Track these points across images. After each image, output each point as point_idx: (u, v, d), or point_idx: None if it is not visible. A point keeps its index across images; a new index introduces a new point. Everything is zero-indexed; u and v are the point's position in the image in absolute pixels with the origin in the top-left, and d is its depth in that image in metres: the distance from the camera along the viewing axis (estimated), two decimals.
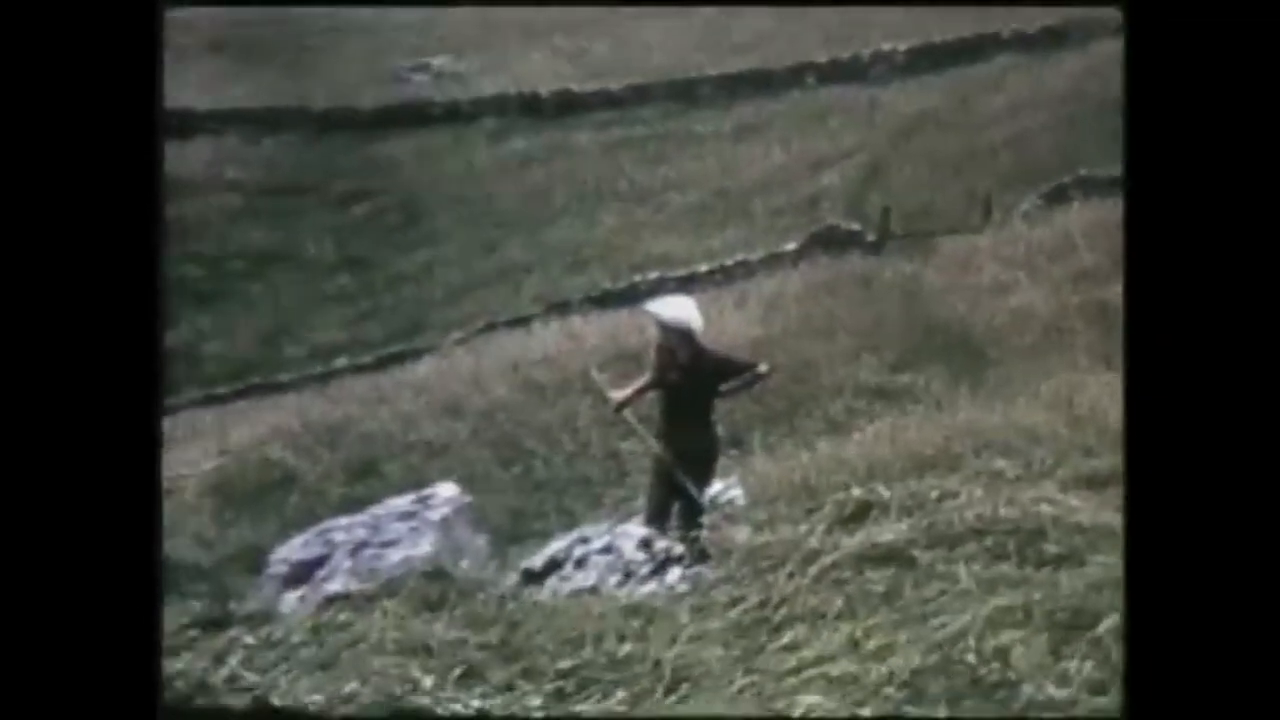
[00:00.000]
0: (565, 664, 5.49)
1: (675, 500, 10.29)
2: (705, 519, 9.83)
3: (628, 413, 11.14)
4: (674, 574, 7.51)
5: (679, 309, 10.86)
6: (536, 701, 5.10)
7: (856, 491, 7.50)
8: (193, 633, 6.30)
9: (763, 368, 11.08)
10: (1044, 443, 10.57)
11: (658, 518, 9.94)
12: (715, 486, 11.87)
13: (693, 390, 10.53)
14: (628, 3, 46.03)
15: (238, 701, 5.03)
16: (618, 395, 11.06)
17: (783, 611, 5.94)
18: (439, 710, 4.90)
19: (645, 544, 7.91)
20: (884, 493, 7.32)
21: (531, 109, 43.06)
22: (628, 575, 7.61)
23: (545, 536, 12.38)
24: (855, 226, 29.03)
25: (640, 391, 10.91)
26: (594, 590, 7.49)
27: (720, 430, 11.67)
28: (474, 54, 47.48)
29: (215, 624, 6.52)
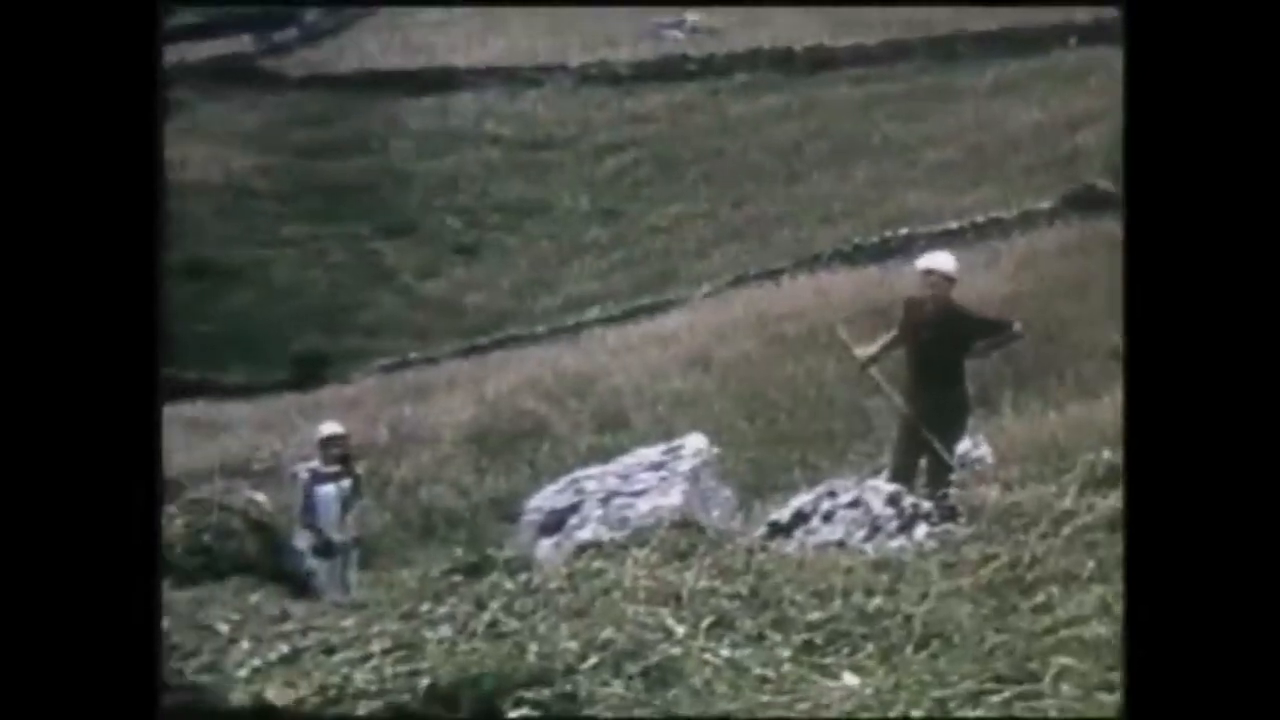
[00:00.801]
0: (815, 616, 5.53)
1: (922, 458, 10.22)
2: (953, 477, 9.80)
3: (874, 370, 11.06)
4: (921, 531, 7.50)
5: (938, 259, 10.80)
6: (786, 653, 5.13)
7: (1107, 454, 7.39)
8: (455, 578, 6.50)
9: (1017, 327, 10.90)
10: None
11: (903, 475, 9.85)
12: (963, 445, 11.77)
13: (942, 347, 10.39)
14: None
15: (494, 648, 5.15)
16: (864, 351, 10.99)
17: (1035, 572, 5.90)
18: (690, 660, 4.98)
19: (893, 500, 7.91)
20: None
21: (785, 64, 42.92)
22: (875, 530, 7.62)
23: (789, 490, 12.42)
24: (1111, 187, 28.41)
25: (887, 347, 10.82)
26: (841, 544, 7.50)
27: (970, 389, 11.56)
28: (728, 10, 47.45)
29: (475, 570, 6.71)
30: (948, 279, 10.51)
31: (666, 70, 44.09)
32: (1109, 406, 15.62)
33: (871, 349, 10.92)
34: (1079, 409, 16.86)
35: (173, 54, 46.03)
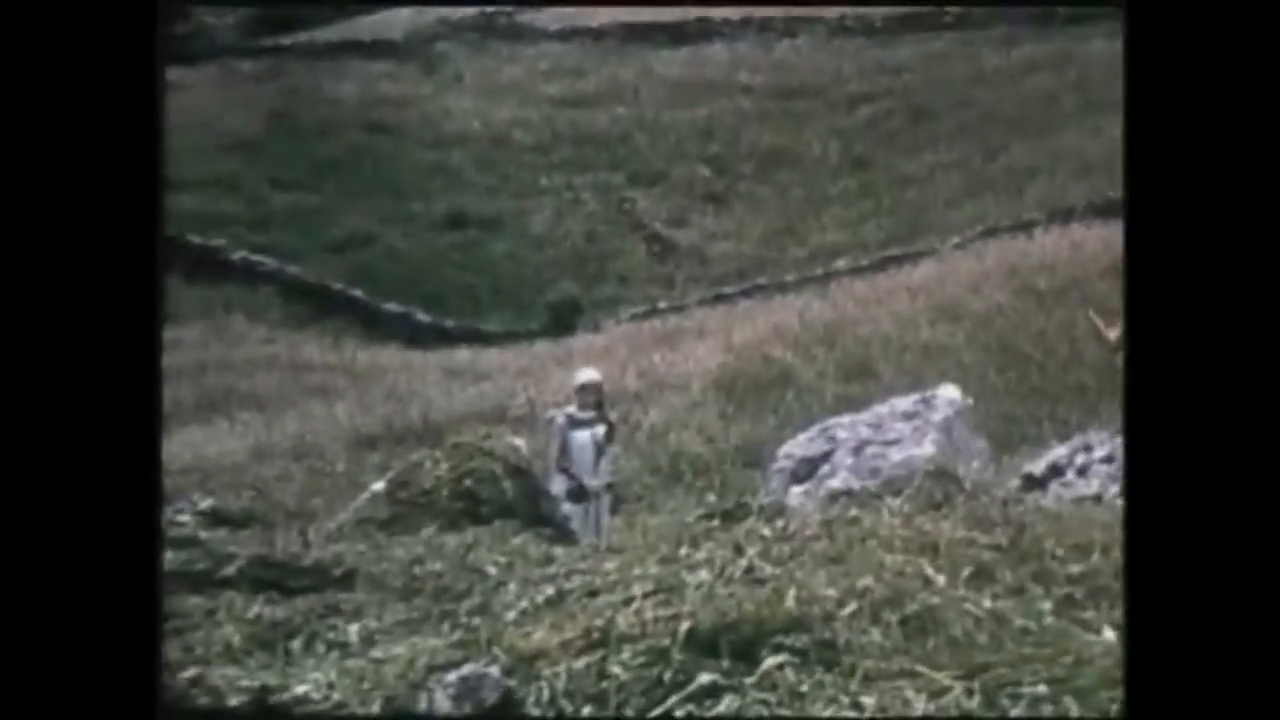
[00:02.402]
0: (1075, 570, 5.49)
1: None
2: None
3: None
4: None
5: None
6: (1047, 605, 5.12)
7: None
8: (711, 523, 6.58)
9: None
10: None
11: None
12: None
13: None
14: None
15: (751, 593, 5.19)
16: (1114, 334, 10.78)
17: None
18: (950, 610, 4.97)
19: None
20: None
21: (1042, 18, 42.10)
22: None
23: (1038, 444, 12.28)
24: None
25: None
26: (1098, 499, 7.42)
27: None
28: None
29: (730, 516, 6.78)
30: None
31: (922, 21, 43.56)
32: None
33: (1120, 329, 10.68)
34: None
35: (437, 12, 47.10)
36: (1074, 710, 4.16)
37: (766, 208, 37.13)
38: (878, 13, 44.38)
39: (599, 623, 5.01)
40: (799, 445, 10.59)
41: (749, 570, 5.55)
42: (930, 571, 5.30)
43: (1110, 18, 40.99)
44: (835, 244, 33.43)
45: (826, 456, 10.12)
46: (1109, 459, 7.85)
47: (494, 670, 4.83)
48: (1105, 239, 24.34)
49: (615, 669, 4.71)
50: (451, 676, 4.84)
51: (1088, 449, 8.09)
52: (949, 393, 10.59)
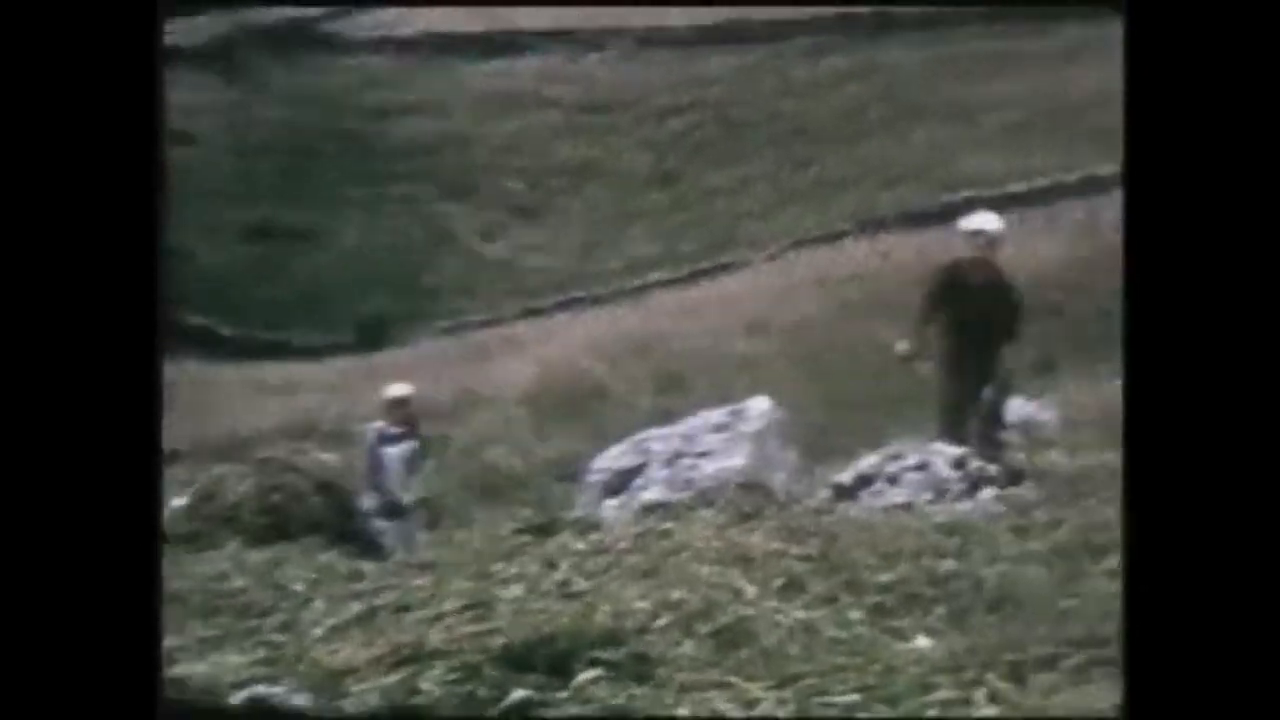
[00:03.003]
0: (886, 578, 5.54)
1: (970, 423, 10.16)
2: (1004, 440, 9.77)
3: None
4: (987, 494, 7.50)
5: (984, 219, 10.72)
6: (858, 615, 5.15)
7: None
8: (524, 538, 6.53)
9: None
10: None
11: (953, 440, 9.81)
12: (1027, 409, 11.69)
13: (985, 310, 10.30)
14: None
15: (565, 607, 5.16)
16: (904, 347, 10.87)
17: (1105, 536, 5.89)
18: (761, 621, 4.99)
19: (959, 463, 7.89)
20: None
21: (848, 27, 42.71)
22: (941, 493, 7.60)
23: (850, 453, 12.41)
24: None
25: (924, 327, 10.70)
26: (907, 507, 7.49)
27: (1028, 356, 11.39)
28: None
29: (544, 530, 6.73)
30: (995, 240, 10.44)
31: (729, 33, 43.87)
32: None
33: (909, 343, 10.76)
34: None
35: (240, 18, 46.36)
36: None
37: (577, 221, 37.17)
38: (685, 24, 44.58)
39: (409, 639, 4.93)
40: (612, 458, 10.55)
41: (562, 584, 5.52)
42: (742, 583, 5.30)
43: (916, 27, 41.83)
44: (647, 257, 33.55)
45: (640, 469, 10.10)
46: (920, 467, 7.93)
47: (282, 689, 4.73)
48: (913, 247, 24.76)
49: (426, 685, 4.63)
50: (240, 696, 4.73)
51: (897, 457, 8.16)
52: (760, 404, 10.63)
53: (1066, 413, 13.68)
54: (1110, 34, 34.25)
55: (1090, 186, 28.13)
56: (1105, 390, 16.38)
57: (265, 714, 4.70)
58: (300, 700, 4.68)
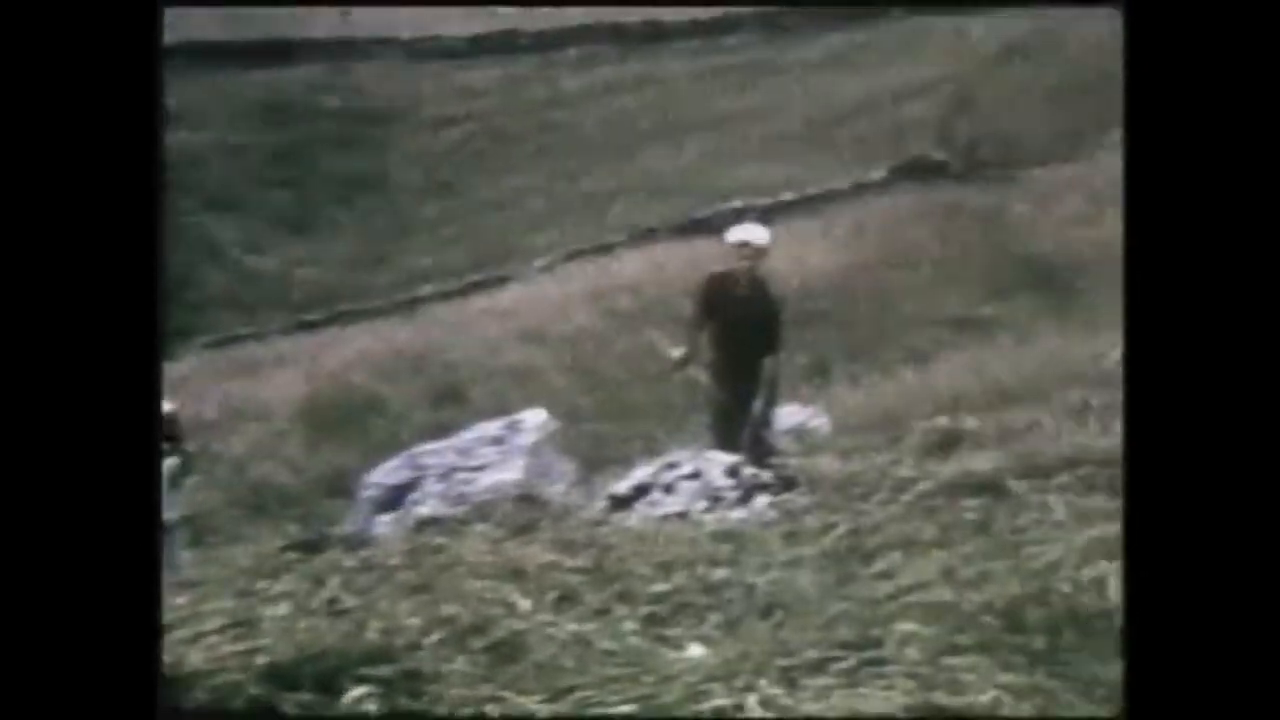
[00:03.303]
0: (659, 588, 5.51)
1: (740, 433, 10.27)
2: (776, 447, 9.88)
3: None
4: (762, 501, 7.51)
5: (751, 230, 10.87)
6: (631, 626, 5.11)
7: (943, 421, 7.48)
8: (291, 555, 6.38)
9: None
10: None
11: (726, 449, 9.89)
12: (800, 414, 11.84)
13: (752, 319, 10.45)
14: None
15: (333, 625, 5.07)
16: (677, 353, 11.01)
17: (876, 539, 5.94)
18: (535, 635, 4.93)
19: (733, 470, 7.91)
20: (972, 422, 7.30)
21: (618, 38, 42.91)
22: (715, 501, 7.61)
23: (629, 463, 12.44)
24: (942, 157, 28.82)
25: (695, 335, 10.82)
26: (682, 516, 7.48)
27: (801, 362, 11.54)
28: None
29: (312, 546, 6.60)
30: (761, 251, 10.61)
31: (499, 44, 43.78)
32: (943, 373, 15.86)
33: (682, 349, 10.90)
34: (913, 377, 17.09)
35: None
36: None
37: (349, 233, 36.75)
38: (456, 34, 44.40)
39: (168, 660, 4.76)
40: (385, 473, 10.42)
41: (331, 602, 5.38)
42: (516, 597, 5.23)
43: (685, 37, 42.19)
44: (420, 269, 33.27)
45: (414, 484, 10.00)
46: (694, 475, 7.93)
47: None
48: (686, 258, 24.92)
49: (186, 705, 4.48)
50: None
51: (672, 466, 8.16)
52: (536, 416, 10.59)
53: (838, 417, 13.86)
54: (874, 39, 35.10)
55: (860, 192, 28.60)
56: (876, 392, 16.67)
57: (265, 714, 4.60)
58: None
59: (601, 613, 5.26)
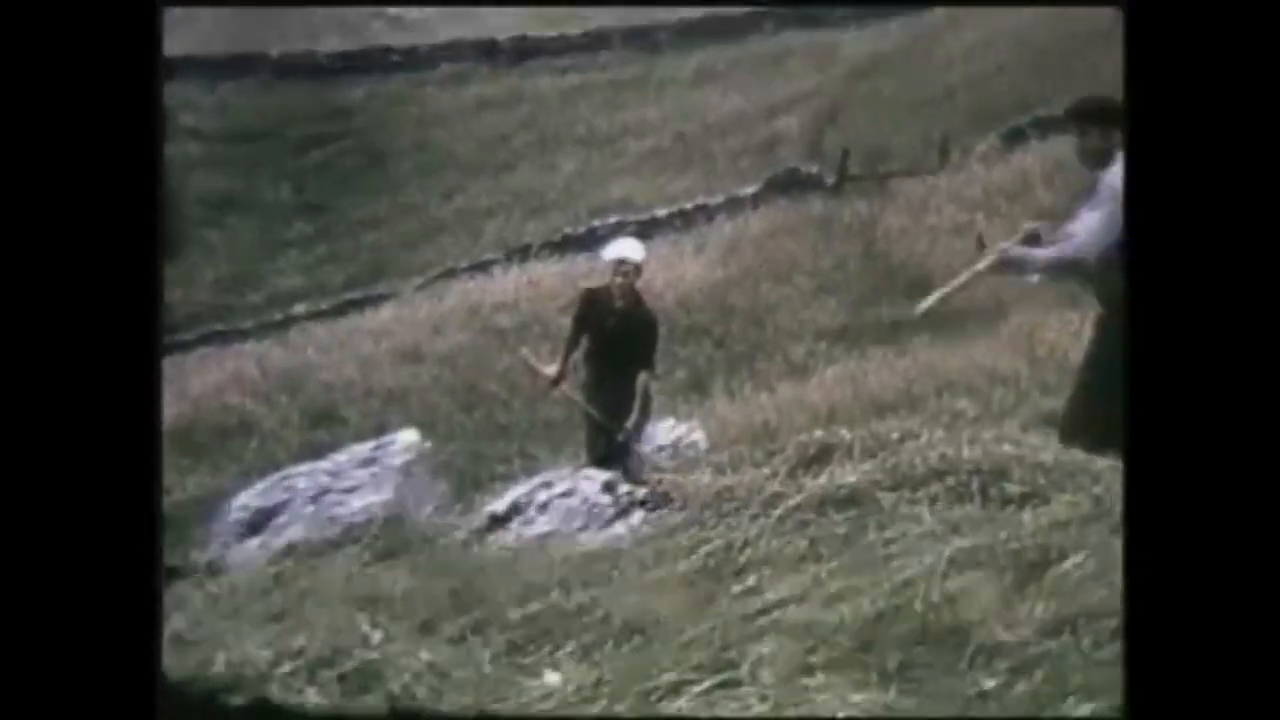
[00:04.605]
0: (520, 613, 5.41)
1: (613, 450, 10.26)
2: (656, 462, 9.86)
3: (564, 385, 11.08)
4: (637, 518, 7.44)
5: (628, 247, 10.89)
6: (490, 652, 5.02)
7: (818, 433, 7.45)
8: None
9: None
10: (1005, 382, 10.58)
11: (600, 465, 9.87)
12: (677, 430, 11.84)
13: (628, 336, 10.48)
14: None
15: (180, 659, 4.96)
16: (551, 370, 11.05)
17: (746, 555, 5.88)
18: (389, 664, 4.82)
19: (608, 487, 7.83)
20: (845, 434, 7.26)
21: (489, 55, 42.80)
22: (590, 520, 7.54)
23: (508, 481, 12.35)
24: (814, 169, 28.96)
25: (570, 352, 10.83)
26: (556, 535, 7.40)
27: (678, 377, 11.52)
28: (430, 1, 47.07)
29: (175, 572, 6.44)
30: (636, 267, 10.64)
31: (369, 62, 43.45)
32: (818, 386, 15.91)
33: (556, 366, 10.94)
34: (789, 390, 17.13)
35: None
36: None
37: (219, 253, 36.31)
38: (323, 52, 44.05)
39: None
40: (255, 495, 10.24)
41: (176, 634, 5.23)
42: (366, 628, 5.11)
43: (557, 54, 42.14)
44: (293, 289, 32.94)
45: (283, 506, 9.84)
46: (569, 493, 7.85)
47: None
48: (562, 274, 24.88)
49: None
50: None
51: (548, 485, 8.08)
52: (408, 436, 10.47)
53: (716, 431, 13.85)
54: (744, 55, 35.30)
55: (733, 207, 28.67)
56: (751, 406, 16.70)
57: (265, 714, 4.58)
58: None
59: (460, 639, 5.16)
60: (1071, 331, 12.32)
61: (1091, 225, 7.71)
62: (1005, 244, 8.14)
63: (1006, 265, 8.10)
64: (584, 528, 7.50)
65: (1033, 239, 8.12)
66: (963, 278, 8.25)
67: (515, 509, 8.01)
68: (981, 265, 8.26)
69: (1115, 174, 7.62)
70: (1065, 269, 8.03)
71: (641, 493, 7.88)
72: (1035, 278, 8.67)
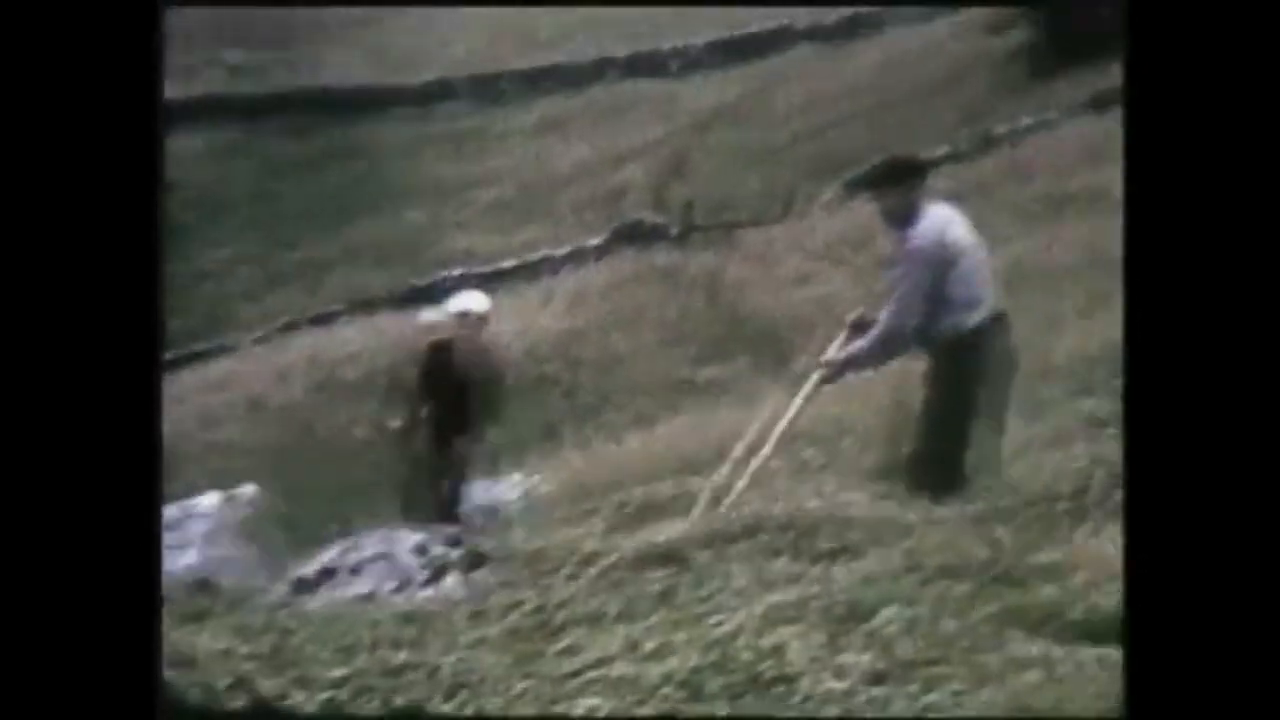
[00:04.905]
0: (338, 673, 5.35)
1: (435, 508, 10.21)
2: (478, 522, 9.82)
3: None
4: (451, 580, 7.35)
5: (472, 300, 10.86)
6: (307, 711, 4.96)
7: (638, 491, 7.47)
8: None
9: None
10: (852, 432, 10.63)
11: (429, 518, 9.81)
12: (497, 488, 11.80)
13: (472, 389, 10.44)
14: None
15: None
16: (397, 424, 11.01)
17: (562, 615, 5.86)
18: None
19: (421, 549, 7.72)
20: (666, 490, 7.28)
21: (328, 105, 42.49)
22: (404, 582, 7.42)
23: (326, 541, 12.23)
24: (659, 220, 29.04)
25: (417, 409, 10.75)
26: (369, 597, 7.29)
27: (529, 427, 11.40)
28: (268, 49, 46.64)
29: None
30: (482, 319, 10.61)
31: (207, 110, 42.88)
32: (663, 438, 15.89)
33: (402, 420, 10.88)
34: (636, 441, 17.11)
35: None
36: None
37: None
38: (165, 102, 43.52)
39: None
40: None
41: None
42: (183, 687, 5.01)
43: (398, 104, 41.92)
44: None
45: None
46: (381, 556, 7.73)
47: None
48: (407, 326, 24.72)
49: None
50: None
51: (359, 547, 7.95)
52: (211, 500, 10.33)
53: (565, 483, 13.78)
54: (588, 105, 35.32)
55: (579, 258, 28.68)
56: (599, 458, 16.65)
57: (265, 714, 4.73)
58: None
59: (278, 698, 5.08)
60: (914, 380, 12.44)
61: (898, 292, 7.86)
62: (827, 355, 8.29)
63: (836, 373, 8.24)
64: (399, 589, 7.39)
65: (860, 327, 8.24)
66: (795, 407, 8.39)
67: (326, 572, 7.88)
68: (809, 388, 8.41)
69: (914, 234, 7.74)
70: (890, 349, 8.15)
71: (456, 554, 7.79)
72: (869, 371, 8.84)
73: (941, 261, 7.66)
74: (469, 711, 4.94)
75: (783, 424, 8.26)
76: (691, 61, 40.41)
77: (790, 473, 8.12)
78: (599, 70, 41.17)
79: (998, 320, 7.94)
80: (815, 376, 8.29)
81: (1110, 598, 5.28)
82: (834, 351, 8.29)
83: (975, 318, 7.75)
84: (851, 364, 8.27)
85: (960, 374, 7.82)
